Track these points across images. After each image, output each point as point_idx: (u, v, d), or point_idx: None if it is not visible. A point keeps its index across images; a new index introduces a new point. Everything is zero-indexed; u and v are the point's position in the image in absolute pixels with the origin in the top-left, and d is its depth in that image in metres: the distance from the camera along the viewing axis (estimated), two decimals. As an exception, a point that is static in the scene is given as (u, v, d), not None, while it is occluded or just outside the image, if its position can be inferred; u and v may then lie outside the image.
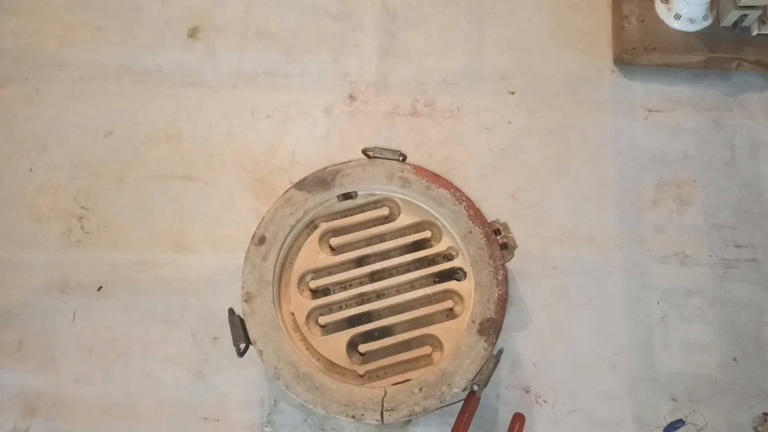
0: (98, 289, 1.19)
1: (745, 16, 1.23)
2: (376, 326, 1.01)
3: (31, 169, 1.26)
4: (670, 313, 1.17)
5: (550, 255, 1.20)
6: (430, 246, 1.06)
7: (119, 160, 1.26)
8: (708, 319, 1.17)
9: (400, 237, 1.06)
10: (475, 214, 1.04)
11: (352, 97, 1.31)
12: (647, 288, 1.18)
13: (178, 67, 1.32)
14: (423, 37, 1.35)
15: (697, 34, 1.26)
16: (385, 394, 0.95)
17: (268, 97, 1.30)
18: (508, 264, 1.02)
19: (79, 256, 1.20)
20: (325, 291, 1.04)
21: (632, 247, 1.21)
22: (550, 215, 1.23)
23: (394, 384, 0.97)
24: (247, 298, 0.99)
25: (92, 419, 1.12)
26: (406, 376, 0.99)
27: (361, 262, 1.05)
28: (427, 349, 1.00)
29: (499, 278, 1.00)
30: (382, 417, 0.94)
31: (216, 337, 1.16)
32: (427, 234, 1.06)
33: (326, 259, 1.04)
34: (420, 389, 0.95)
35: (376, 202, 1.08)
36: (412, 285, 1.04)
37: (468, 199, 1.05)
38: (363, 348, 1.00)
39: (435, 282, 1.04)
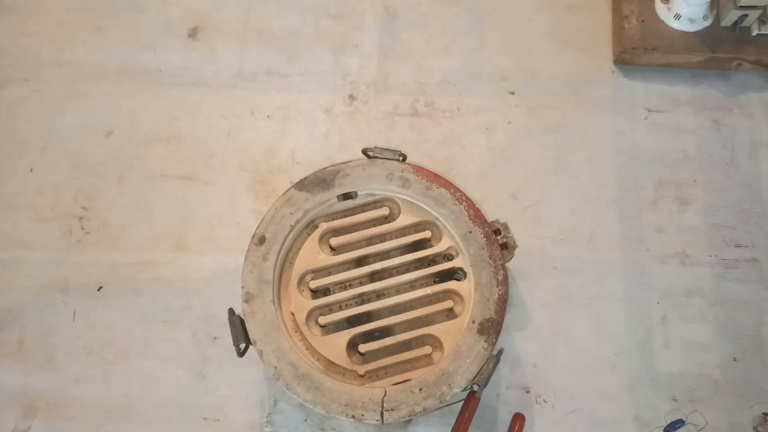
0: (98, 289, 1.19)
1: (745, 16, 1.23)
2: (376, 326, 1.01)
3: (31, 170, 1.26)
4: (670, 313, 1.17)
5: (550, 255, 1.20)
6: (430, 246, 1.06)
7: (119, 160, 1.26)
8: (708, 319, 1.17)
9: (400, 237, 1.06)
10: (475, 214, 1.04)
11: (352, 97, 1.31)
12: (647, 288, 1.19)
13: (178, 67, 1.32)
14: (423, 37, 1.35)
15: (697, 34, 1.26)
16: (385, 394, 0.95)
17: (268, 97, 1.30)
18: (508, 264, 1.02)
19: (79, 256, 1.20)
20: (325, 291, 1.04)
21: (632, 247, 1.21)
22: (550, 215, 1.23)
23: (394, 384, 0.97)
24: (247, 298, 0.99)
25: (92, 419, 1.12)
26: (406, 376, 0.99)
27: (361, 262, 1.05)
28: (427, 349, 1.00)
29: (499, 278, 1.00)
30: (382, 417, 0.94)
31: (216, 337, 1.16)
32: (427, 234, 1.06)
33: (326, 259, 1.04)
34: (420, 389, 0.95)
35: (376, 202, 1.08)
36: (412, 285, 1.04)
37: (468, 199, 1.05)
38: (363, 348, 1.00)
39: (435, 282, 1.04)
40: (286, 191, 1.05)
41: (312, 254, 1.04)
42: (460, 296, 1.02)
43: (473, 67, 1.33)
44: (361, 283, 1.04)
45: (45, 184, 1.25)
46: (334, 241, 1.05)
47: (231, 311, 1.00)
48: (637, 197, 1.24)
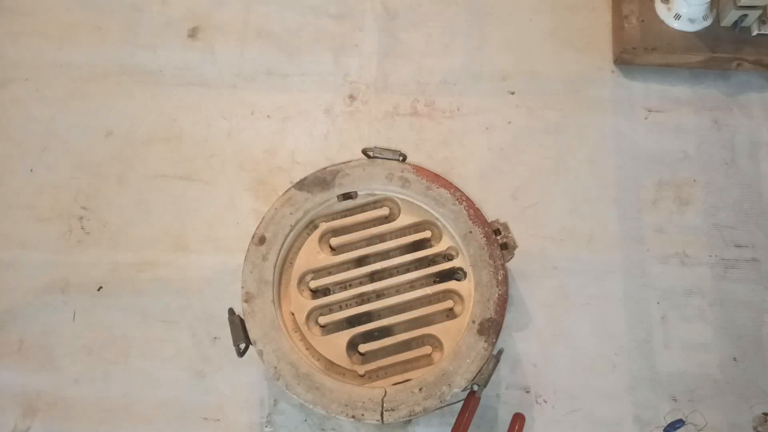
0: (98, 289, 1.19)
1: (745, 16, 1.23)
2: (376, 326, 1.01)
3: (31, 170, 1.26)
4: (670, 313, 1.17)
5: (550, 255, 1.20)
6: (430, 246, 1.06)
7: (119, 160, 1.26)
8: (708, 319, 1.17)
9: (400, 237, 1.06)
10: (475, 214, 1.04)
11: (352, 97, 1.31)
12: (647, 288, 1.19)
13: (178, 67, 1.32)
14: (423, 37, 1.35)
15: (697, 34, 1.26)
16: (385, 394, 0.95)
17: (268, 97, 1.30)
18: (508, 264, 1.02)
19: (79, 256, 1.20)
20: (325, 291, 1.04)
21: (632, 247, 1.21)
22: (550, 215, 1.23)
23: (394, 384, 0.97)
24: (247, 298, 0.99)
25: (92, 419, 1.12)
26: (406, 376, 0.99)
27: (361, 262, 1.05)
28: (427, 349, 1.00)
29: (499, 278, 1.00)
30: (382, 417, 0.94)
31: (216, 337, 1.16)
32: (427, 234, 1.06)
33: (326, 259, 1.04)
34: (420, 389, 0.95)
35: (376, 202, 1.08)
36: (412, 285, 1.04)
37: (468, 199, 1.05)
38: (363, 348, 1.00)
39: (435, 282, 1.04)
40: (286, 191, 1.05)
41: (312, 254, 1.04)
42: (460, 296, 1.02)
43: (473, 67, 1.33)
44: (361, 283, 1.04)
45: (45, 184, 1.25)
46: (334, 241, 1.05)
47: (231, 311, 1.00)
48: (637, 197, 1.24)
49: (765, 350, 1.16)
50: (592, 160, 1.26)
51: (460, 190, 1.05)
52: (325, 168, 1.06)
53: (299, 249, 1.05)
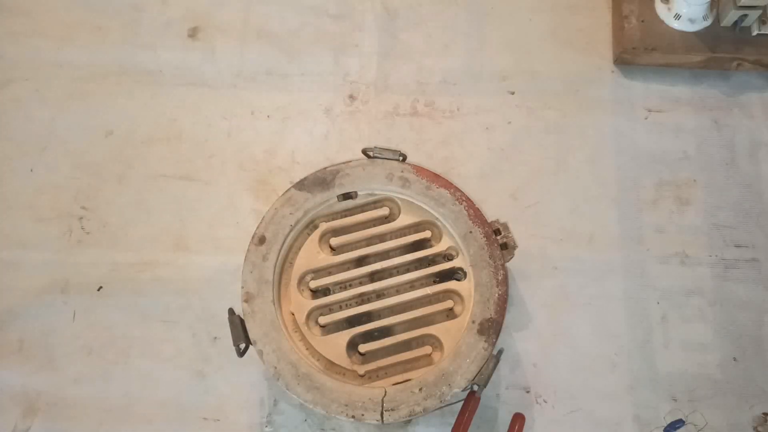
0: (98, 289, 1.19)
1: (745, 16, 1.23)
2: (376, 326, 1.01)
3: (31, 170, 1.26)
4: (670, 313, 1.17)
5: (550, 255, 1.20)
6: (430, 246, 1.06)
7: (119, 160, 1.26)
8: (708, 319, 1.17)
9: (400, 237, 1.06)
10: (475, 214, 1.04)
11: (352, 97, 1.31)
12: (647, 288, 1.19)
13: (178, 67, 1.32)
14: (423, 37, 1.35)
15: (697, 34, 1.26)
16: (385, 394, 0.95)
17: (268, 97, 1.30)
18: (508, 264, 1.02)
19: (79, 256, 1.20)
20: (325, 291, 1.04)
21: (632, 247, 1.21)
22: (550, 215, 1.23)
23: (394, 384, 0.97)
24: (247, 298, 0.99)
25: (92, 419, 1.12)
26: (406, 376, 0.99)
27: (361, 262, 1.05)
28: (427, 349, 1.00)
29: (499, 278, 1.00)
30: (382, 417, 0.94)
31: (216, 337, 1.16)
32: (427, 234, 1.06)
33: (326, 259, 1.04)
34: (420, 389, 0.95)
35: (376, 202, 1.08)
36: (412, 285, 1.04)
37: (468, 199, 1.05)
38: (363, 348, 1.00)
39: (435, 282, 1.04)
40: (286, 191, 1.05)
41: (312, 254, 1.04)
42: (460, 296, 1.02)
43: (473, 67, 1.33)
44: (361, 283, 1.04)
45: (45, 184, 1.25)
46: (334, 241, 1.05)
47: (231, 311, 1.00)
48: (637, 197, 1.24)
49: (765, 350, 1.16)
50: (592, 160, 1.26)
51: (460, 190, 1.05)
52: (325, 168, 1.06)
53: (299, 249, 1.05)
